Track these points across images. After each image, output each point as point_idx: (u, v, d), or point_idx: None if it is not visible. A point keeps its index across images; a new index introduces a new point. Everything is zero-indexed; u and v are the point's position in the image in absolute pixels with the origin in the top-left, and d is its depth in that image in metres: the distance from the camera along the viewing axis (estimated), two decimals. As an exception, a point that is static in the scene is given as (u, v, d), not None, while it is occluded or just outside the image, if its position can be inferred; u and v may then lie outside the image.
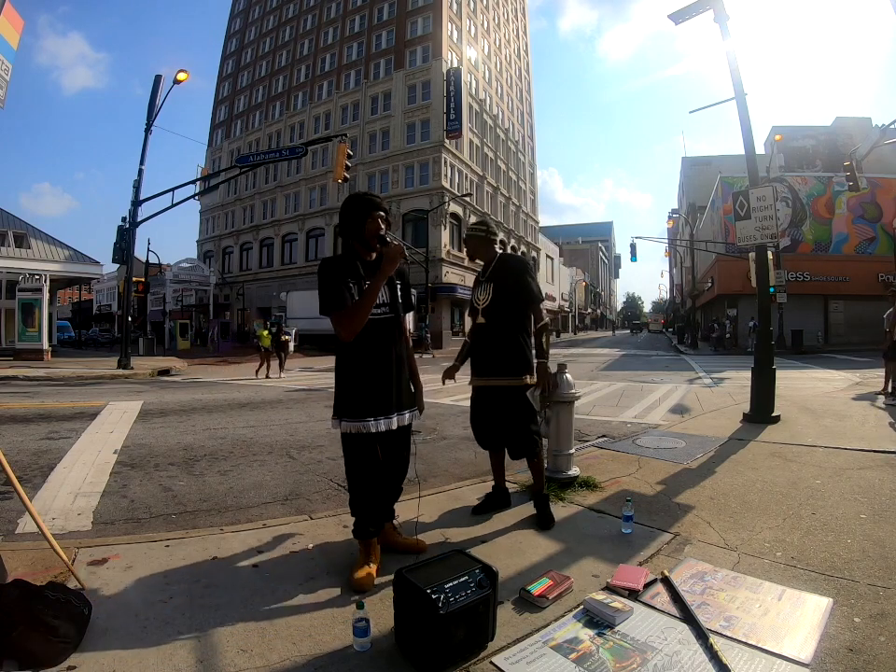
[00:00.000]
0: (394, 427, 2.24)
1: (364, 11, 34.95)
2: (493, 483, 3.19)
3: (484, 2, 38.36)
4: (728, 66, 6.25)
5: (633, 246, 27.99)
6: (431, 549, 2.41)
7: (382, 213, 2.26)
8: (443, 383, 3.20)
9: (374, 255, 2.28)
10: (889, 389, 7.40)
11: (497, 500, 3.08)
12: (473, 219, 32.88)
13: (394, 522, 2.49)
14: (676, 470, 3.83)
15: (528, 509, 3.00)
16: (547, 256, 47.79)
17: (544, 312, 3.00)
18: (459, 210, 31.61)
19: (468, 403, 3.13)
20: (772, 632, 1.75)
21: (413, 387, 2.41)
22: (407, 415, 2.31)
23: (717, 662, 1.60)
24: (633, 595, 2.00)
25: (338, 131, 29.82)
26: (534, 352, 2.90)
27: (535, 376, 2.84)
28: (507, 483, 3.23)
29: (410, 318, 2.35)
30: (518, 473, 3.60)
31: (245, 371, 14.45)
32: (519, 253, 26.35)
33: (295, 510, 3.28)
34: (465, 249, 3.22)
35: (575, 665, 1.62)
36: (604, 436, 5.32)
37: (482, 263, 3.06)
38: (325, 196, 33.81)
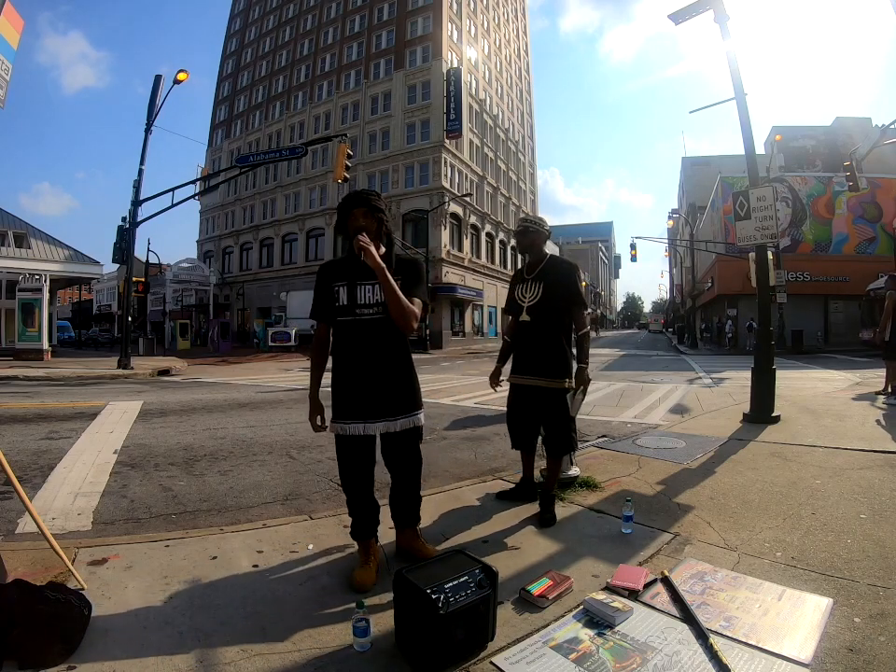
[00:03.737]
0: (381, 432, 2.16)
1: (364, 11, 34.96)
2: (521, 476, 3.22)
3: (484, 2, 38.36)
4: (728, 66, 6.25)
5: (633, 246, 28.03)
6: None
7: (364, 209, 2.11)
8: (494, 389, 3.23)
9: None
10: (890, 389, 7.40)
11: (524, 492, 3.14)
12: (473, 218, 33.08)
13: (418, 528, 2.42)
14: (676, 470, 3.83)
15: (528, 509, 3.00)
16: (547, 256, 47.80)
17: (588, 319, 3.01)
18: (459, 210, 31.62)
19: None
20: (772, 632, 1.75)
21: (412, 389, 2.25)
22: (399, 422, 2.15)
23: (717, 662, 1.60)
24: (633, 595, 2.00)
25: (338, 131, 29.82)
26: (575, 356, 2.93)
27: (574, 380, 2.86)
28: (506, 482, 3.22)
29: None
30: (517, 473, 3.59)
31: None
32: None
33: (295, 510, 3.28)
34: (515, 241, 3.26)
35: (575, 665, 1.62)
36: (604, 436, 5.32)
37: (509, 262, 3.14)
38: (325, 196, 33.82)
